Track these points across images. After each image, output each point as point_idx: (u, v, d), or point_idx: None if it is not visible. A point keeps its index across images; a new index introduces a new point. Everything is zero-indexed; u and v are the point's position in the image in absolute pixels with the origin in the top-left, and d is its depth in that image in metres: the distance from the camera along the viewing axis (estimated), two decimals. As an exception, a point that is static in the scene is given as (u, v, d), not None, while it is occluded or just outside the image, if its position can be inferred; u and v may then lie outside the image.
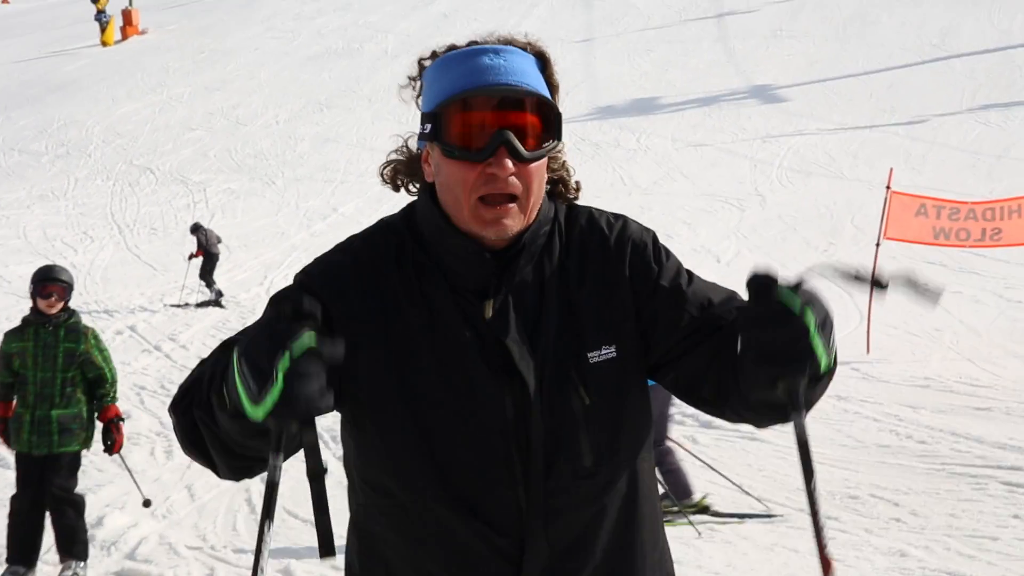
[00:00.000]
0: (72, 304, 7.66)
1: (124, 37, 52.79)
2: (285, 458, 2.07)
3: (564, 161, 2.51)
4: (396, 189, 2.54)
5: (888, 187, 13.60)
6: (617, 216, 2.53)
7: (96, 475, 9.47)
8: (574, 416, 2.36)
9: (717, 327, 2.38)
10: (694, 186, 26.40)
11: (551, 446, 2.34)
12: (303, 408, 1.99)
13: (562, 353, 2.37)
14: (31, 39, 56.35)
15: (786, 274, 2.13)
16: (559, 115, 2.34)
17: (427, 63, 2.51)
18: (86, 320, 7.99)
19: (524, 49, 2.39)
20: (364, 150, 32.91)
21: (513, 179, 2.27)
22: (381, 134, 33.58)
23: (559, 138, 2.35)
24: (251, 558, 2.12)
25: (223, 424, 2.13)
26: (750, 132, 29.95)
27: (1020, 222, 13.38)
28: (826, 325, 2.15)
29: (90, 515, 8.24)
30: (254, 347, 2.02)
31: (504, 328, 2.35)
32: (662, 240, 2.54)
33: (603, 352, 2.40)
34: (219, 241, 21.85)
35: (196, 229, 21.57)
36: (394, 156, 2.54)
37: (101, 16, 52.41)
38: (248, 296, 20.45)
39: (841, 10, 39.71)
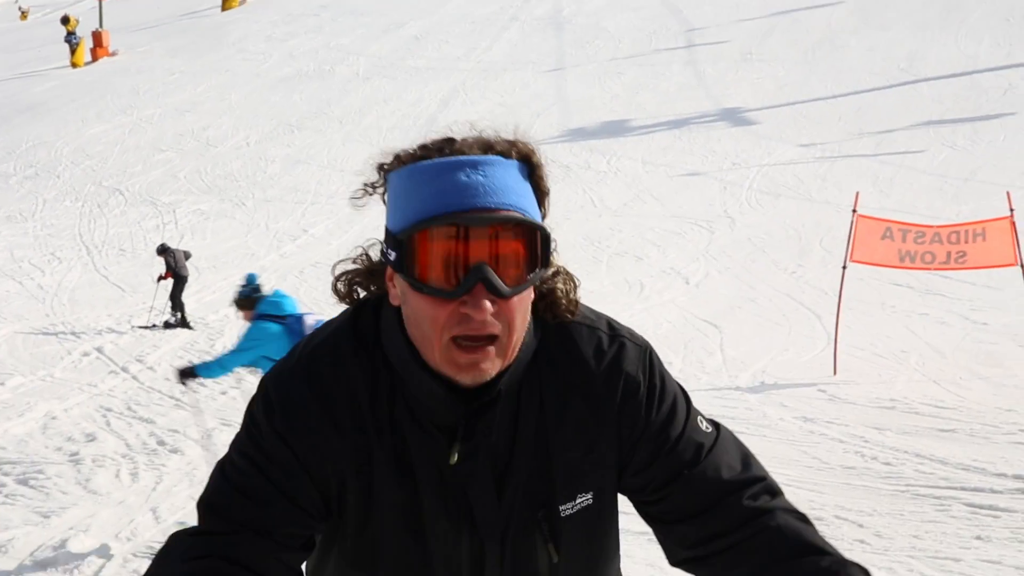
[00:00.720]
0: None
1: (94, 59, 52.66)
2: None
3: (559, 270, 2.18)
4: (352, 303, 2.23)
5: (854, 211, 13.67)
6: (613, 339, 2.21)
7: (60, 497, 9.41)
8: (537, 574, 2.19)
9: (700, 493, 2.15)
10: (664, 208, 26.47)
11: None
12: None
13: (532, 504, 2.15)
14: (1, 60, 56.12)
15: None
16: (547, 238, 1.99)
17: (389, 166, 2.11)
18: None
19: (507, 154, 2.03)
20: (335, 171, 32.87)
21: (491, 319, 1.96)
22: (352, 156, 33.59)
23: (547, 265, 2.01)
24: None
25: None
26: (720, 155, 30.07)
27: (985, 245, 13.46)
28: None
29: (53, 538, 8.21)
30: None
31: (469, 475, 2.11)
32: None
33: (578, 501, 2.18)
34: (188, 258, 21.72)
35: (163, 251, 21.42)
36: (349, 266, 2.21)
37: (71, 38, 52.31)
38: (216, 317, 20.36)
39: (810, 35, 39.96)
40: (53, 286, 23.32)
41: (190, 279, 21.49)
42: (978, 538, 7.63)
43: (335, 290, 2.20)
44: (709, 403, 11.42)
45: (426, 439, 2.10)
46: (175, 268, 20.94)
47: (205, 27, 56.10)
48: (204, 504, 2.11)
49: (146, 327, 19.54)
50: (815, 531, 2.09)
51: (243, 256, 25.87)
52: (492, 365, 2.00)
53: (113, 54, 53.05)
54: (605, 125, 34.04)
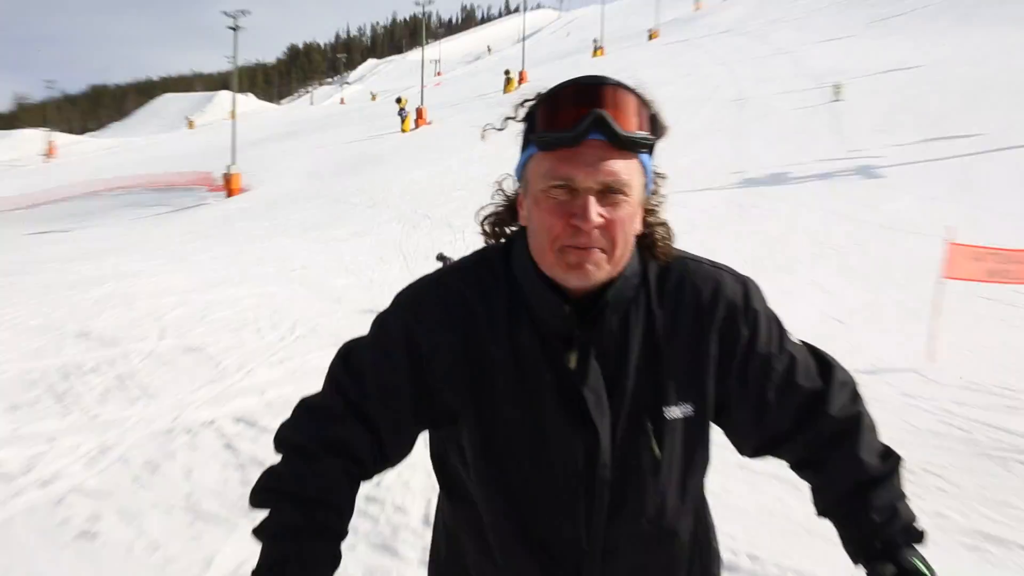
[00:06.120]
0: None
1: (417, 126, 54.53)
2: None
3: (664, 221, 1.88)
4: (497, 240, 1.91)
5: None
6: (716, 265, 1.89)
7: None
8: (642, 468, 1.84)
9: (799, 405, 1.87)
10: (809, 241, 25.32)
11: (617, 495, 1.85)
12: None
13: (639, 405, 1.82)
14: (357, 128, 58.82)
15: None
16: (655, 115, 1.72)
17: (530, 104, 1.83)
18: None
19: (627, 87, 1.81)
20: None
21: (597, 233, 1.67)
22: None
23: (656, 133, 1.72)
24: None
25: None
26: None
27: None
28: None
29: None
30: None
31: (583, 376, 1.78)
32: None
33: (681, 409, 1.83)
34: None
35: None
36: (492, 207, 1.93)
37: (402, 112, 54.52)
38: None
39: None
40: (379, 280, 24.04)
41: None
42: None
43: (482, 230, 1.91)
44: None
45: (546, 347, 1.78)
46: (447, 270, 20.77)
47: (489, 103, 57.28)
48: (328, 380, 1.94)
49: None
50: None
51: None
52: (598, 268, 1.70)
53: (429, 123, 54.75)
54: (771, 176, 32.93)
